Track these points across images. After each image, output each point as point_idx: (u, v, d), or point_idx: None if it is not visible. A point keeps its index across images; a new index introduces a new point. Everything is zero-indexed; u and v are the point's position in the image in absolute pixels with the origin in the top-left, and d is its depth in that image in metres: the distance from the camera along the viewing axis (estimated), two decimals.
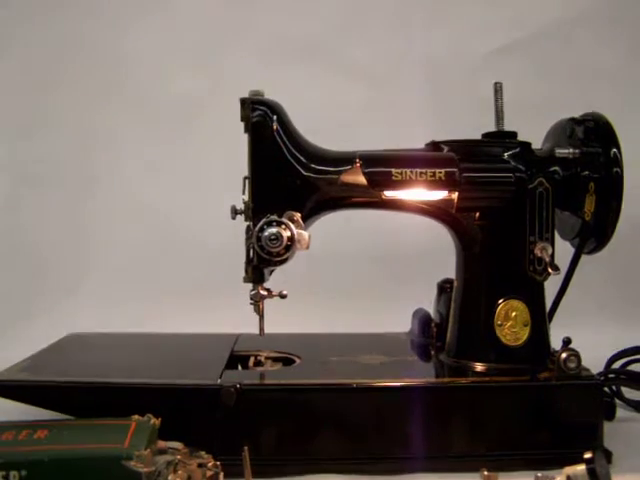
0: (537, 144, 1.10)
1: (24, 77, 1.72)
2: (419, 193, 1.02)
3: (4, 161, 1.72)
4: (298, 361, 1.09)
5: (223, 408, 0.92)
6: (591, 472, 0.80)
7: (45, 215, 1.71)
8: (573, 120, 1.06)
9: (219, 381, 0.95)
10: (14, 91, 1.71)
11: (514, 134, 1.06)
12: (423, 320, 1.20)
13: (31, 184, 1.72)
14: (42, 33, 1.71)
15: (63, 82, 1.72)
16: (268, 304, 1.02)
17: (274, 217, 0.97)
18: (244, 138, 1.00)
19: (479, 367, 1.02)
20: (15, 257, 1.69)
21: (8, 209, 1.72)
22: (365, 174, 1.00)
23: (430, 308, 1.21)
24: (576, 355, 0.98)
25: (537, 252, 1.01)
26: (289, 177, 0.99)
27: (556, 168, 1.04)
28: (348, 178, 1.00)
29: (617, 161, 1.02)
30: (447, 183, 1.00)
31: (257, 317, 1.02)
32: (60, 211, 1.72)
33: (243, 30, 1.72)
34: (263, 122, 0.99)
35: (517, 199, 1.01)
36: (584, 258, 1.06)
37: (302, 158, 1.00)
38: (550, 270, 1.01)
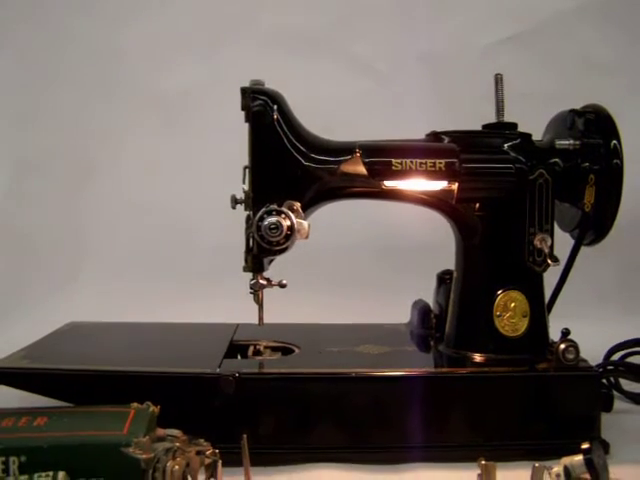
0: (538, 135, 1.10)
1: (23, 70, 1.72)
2: (419, 183, 1.02)
3: (4, 152, 1.72)
4: (297, 351, 1.09)
5: (222, 396, 0.93)
6: (588, 462, 0.80)
7: (44, 205, 1.72)
8: (574, 112, 1.06)
9: (218, 370, 0.96)
10: (13, 83, 1.72)
11: (514, 125, 1.05)
12: (422, 311, 1.20)
13: (31, 175, 1.72)
14: (41, 25, 1.71)
15: (62, 74, 1.72)
16: (267, 294, 1.02)
17: (274, 206, 0.97)
18: (245, 127, 1.00)
19: (478, 358, 1.03)
20: (15, 246, 1.70)
21: (8, 199, 1.72)
22: (365, 164, 1.00)
23: (430, 299, 1.21)
24: (574, 346, 0.99)
25: (537, 243, 1.01)
26: (289, 167, 1.00)
27: (556, 159, 1.04)
28: (348, 168, 1.00)
29: (617, 153, 1.02)
30: (447, 173, 1.00)
31: (256, 307, 1.03)
32: (59, 201, 1.72)
33: (245, 21, 1.72)
34: (263, 112, 0.99)
35: (517, 190, 1.01)
36: (583, 250, 1.06)
37: (302, 148, 1.00)
38: (549, 261, 1.01)
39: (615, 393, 1.16)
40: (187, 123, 1.70)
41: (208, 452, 0.79)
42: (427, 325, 1.19)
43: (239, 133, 1.02)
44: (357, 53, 1.72)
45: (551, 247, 1.02)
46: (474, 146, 1.03)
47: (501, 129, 1.05)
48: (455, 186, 1.01)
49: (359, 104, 1.67)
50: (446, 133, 1.05)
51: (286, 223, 0.96)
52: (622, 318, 1.53)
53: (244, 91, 0.99)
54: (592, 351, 1.06)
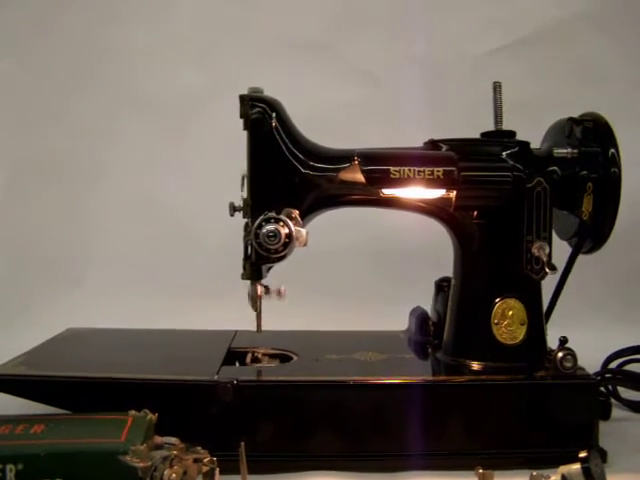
0: (536, 144, 1.10)
1: (27, 71, 1.72)
2: (417, 191, 1.02)
3: (6, 153, 1.72)
4: (295, 358, 1.09)
5: (220, 404, 0.93)
6: (586, 471, 0.80)
7: (46, 209, 1.72)
8: (572, 120, 1.06)
9: (216, 377, 0.95)
10: (17, 84, 1.72)
11: (513, 133, 1.06)
12: (420, 318, 1.20)
13: (33, 177, 1.72)
14: (44, 27, 1.71)
15: (65, 75, 1.72)
16: (266, 301, 1.02)
17: (272, 214, 0.97)
18: (243, 135, 1.00)
19: (475, 365, 1.02)
20: (16, 250, 1.70)
21: (10, 201, 1.72)
22: (363, 172, 1.00)
23: (428, 306, 1.21)
24: (572, 354, 0.99)
25: (534, 251, 1.01)
26: (287, 174, 1.00)
27: (554, 168, 1.04)
28: (346, 176, 1.01)
29: (615, 161, 1.02)
30: (445, 181, 1.00)
31: (254, 314, 1.02)
32: (61, 205, 1.72)
33: (244, 27, 1.72)
34: (262, 119, 0.99)
35: (515, 198, 1.01)
36: (581, 258, 1.07)
37: (301, 155, 1.00)
38: (547, 269, 1.01)
39: (613, 401, 1.16)
40: (187, 130, 1.70)
41: (206, 460, 0.79)
42: (425, 332, 1.19)
43: (238, 140, 1.03)
44: (355, 61, 1.72)
45: (549, 255, 1.01)
46: (472, 154, 1.03)
47: (499, 137, 1.05)
48: (453, 194, 1.01)
49: (357, 111, 1.67)
50: (444, 141, 1.05)
51: (284, 231, 0.96)
52: (620, 326, 1.52)
53: (243, 99, 0.99)
54: (590, 359, 1.06)
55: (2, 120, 1.72)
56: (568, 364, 0.98)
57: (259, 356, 1.11)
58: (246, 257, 1.00)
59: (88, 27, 1.72)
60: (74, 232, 1.71)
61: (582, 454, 0.81)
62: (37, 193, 1.72)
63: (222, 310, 1.37)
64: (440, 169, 1.00)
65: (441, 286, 1.17)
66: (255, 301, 1.01)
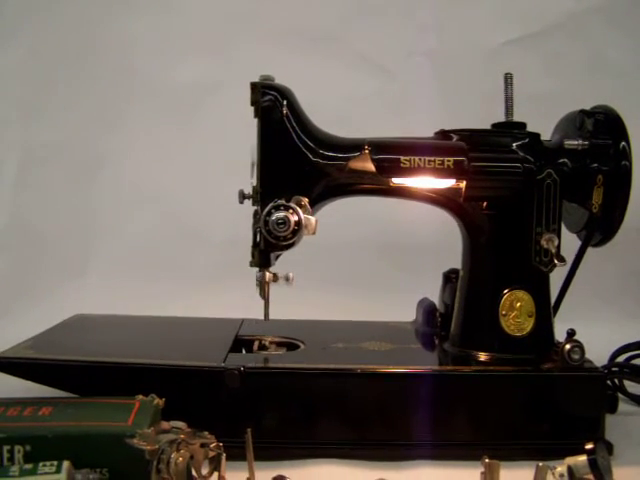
0: (546, 135, 1.10)
1: (33, 61, 1.72)
2: (427, 181, 1.01)
3: (12, 143, 1.72)
4: (302, 346, 1.09)
5: (227, 390, 0.93)
6: (592, 463, 0.80)
7: (52, 197, 1.72)
8: (583, 112, 1.05)
9: (223, 364, 0.96)
10: (22, 75, 1.72)
11: (523, 125, 1.05)
12: (428, 309, 1.20)
13: (38, 166, 1.72)
14: (51, 15, 1.71)
15: (71, 65, 1.72)
16: (273, 290, 1.02)
17: (282, 202, 0.97)
18: (254, 123, 1.00)
19: (483, 356, 1.03)
20: (22, 239, 1.70)
21: (15, 191, 1.72)
22: (374, 161, 1.00)
23: (435, 298, 1.21)
24: (580, 347, 0.98)
25: (543, 243, 1.01)
26: (298, 162, 1.00)
27: (565, 160, 1.03)
28: (356, 164, 1.00)
29: (626, 154, 1.01)
30: (455, 172, 1.00)
31: (262, 302, 1.02)
32: (67, 193, 1.72)
33: (255, 17, 1.72)
34: (273, 107, 0.99)
35: (525, 190, 1.01)
36: (590, 251, 1.06)
37: (311, 144, 1.00)
38: (556, 261, 1.01)
39: (619, 395, 1.16)
40: (196, 118, 1.70)
41: (212, 445, 0.79)
42: (432, 324, 1.19)
43: (248, 128, 1.03)
44: (366, 51, 1.72)
45: (558, 247, 1.01)
46: (483, 145, 1.03)
47: (510, 128, 1.05)
48: (463, 184, 1.01)
49: (368, 101, 1.67)
50: (455, 131, 1.05)
51: (294, 218, 0.96)
52: (629, 320, 1.53)
53: (254, 86, 0.99)
54: (597, 353, 1.06)
55: (9, 109, 1.72)
56: (575, 356, 0.98)
57: (266, 344, 1.11)
58: (255, 244, 1.00)
59: (97, 17, 1.71)
60: (80, 220, 1.72)
61: (588, 446, 0.81)
62: (43, 181, 1.72)
63: (229, 298, 1.37)
64: (450, 159, 1.00)
65: (449, 277, 1.17)
66: (263, 289, 1.01)
